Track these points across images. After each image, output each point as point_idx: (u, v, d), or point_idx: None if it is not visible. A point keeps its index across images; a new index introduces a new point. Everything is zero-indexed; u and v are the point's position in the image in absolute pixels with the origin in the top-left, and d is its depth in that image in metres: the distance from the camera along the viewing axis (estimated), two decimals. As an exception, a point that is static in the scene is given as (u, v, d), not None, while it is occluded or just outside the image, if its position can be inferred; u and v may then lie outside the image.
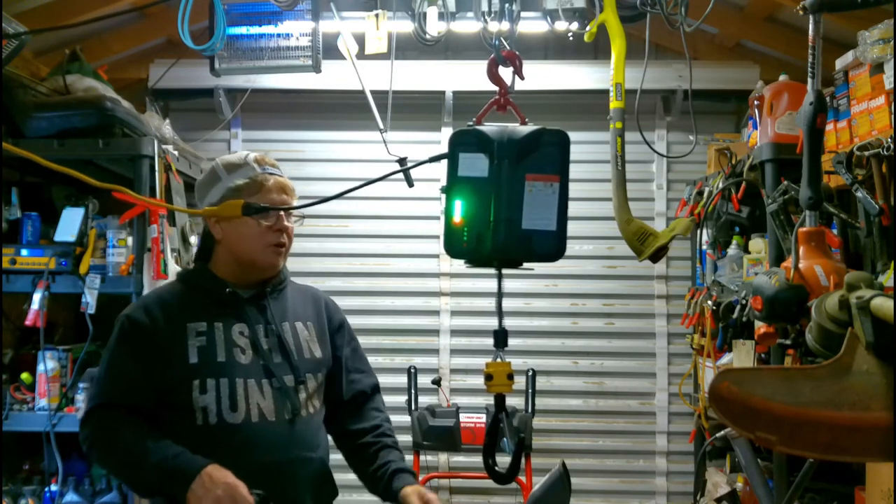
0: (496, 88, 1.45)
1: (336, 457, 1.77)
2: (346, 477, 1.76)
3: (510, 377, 1.35)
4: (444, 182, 1.33)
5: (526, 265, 1.32)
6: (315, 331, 1.75)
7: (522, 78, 1.46)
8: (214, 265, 1.73)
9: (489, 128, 1.32)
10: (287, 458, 1.60)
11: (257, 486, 1.49)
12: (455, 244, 1.31)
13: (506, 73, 1.46)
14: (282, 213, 1.65)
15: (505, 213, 1.26)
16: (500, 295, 1.40)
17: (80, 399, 2.72)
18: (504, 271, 1.36)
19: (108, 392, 1.60)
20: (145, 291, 2.74)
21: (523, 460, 3.40)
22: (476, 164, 1.28)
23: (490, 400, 3.81)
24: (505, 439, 1.39)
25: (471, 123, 1.36)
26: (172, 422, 1.58)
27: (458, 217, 1.29)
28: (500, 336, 1.39)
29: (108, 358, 1.64)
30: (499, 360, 1.38)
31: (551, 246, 1.28)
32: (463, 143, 1.32)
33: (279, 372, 1.63)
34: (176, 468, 1.48)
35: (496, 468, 1.41)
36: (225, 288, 1.67)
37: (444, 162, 1.35)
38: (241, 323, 1.65)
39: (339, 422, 1.79)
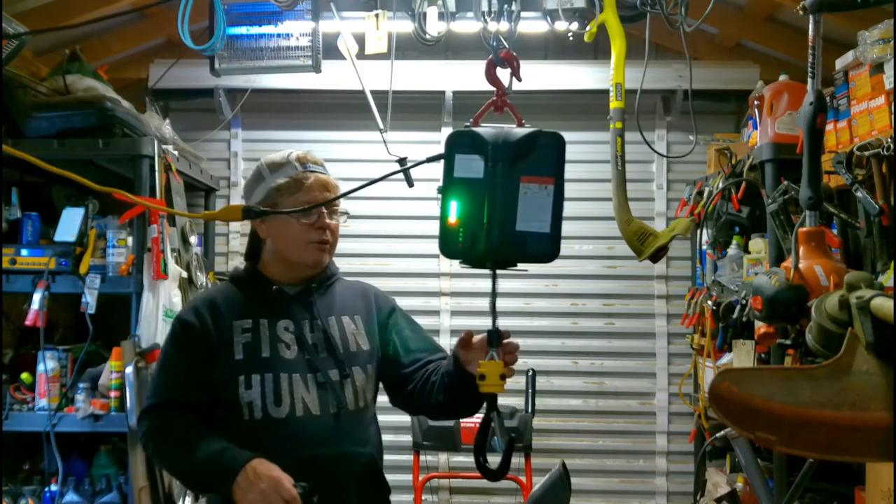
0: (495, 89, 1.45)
1: (389, 457, 1.75)
2: (398, 479, 1.74)
3: (503, 377, 1.35)
4: (442, 183, 1.34)
5: (521, 266, 1.33)
6: (363, 324, 1.74)
7: (520, 79, 1.46)
8: (262, 264, 1.76)
9: (485, 129, 1.32)
10: (332, 453, 1.60)
11: (303, 479, 1.49)
12: (450, 244, 1.31)
13: (504, 74, 1.46)
14: (323, 210, 1.67)
15: (499, 215, 1.27)
16: (493, 295, 1.40)
17: (80, 399, 2.72)
18: (503, 271, 1.36)
19: (161, 392, 1.66)
20: (145, 291, 2.74)
21: (523, 460, 3.40)
22: (472, 166, 1.29)
23: (490, 400, 3.79)
24: (496, 438, 1.39)
25: (468, 124, 1.36)
26: (223, 418, 1.61)
27: (453, 218, 1.30)
28: (494, 335, 1.39)
29: (161, 359, 1.71)
30: (492, 359, 1.38)
31: (545, 247, 1.28)
32: (459, 144, 1.32)
33: (324, 366, 1.63)
34: (222, 463, 1.51)
35: (487, 465, 1.41)
36: (271, 286, 1.70)
37: (443, 162, 1.35)
38: (286, 319, 1.67)
39: (405, 391, 1.73)
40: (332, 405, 1.61)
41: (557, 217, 1.28)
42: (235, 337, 1.63)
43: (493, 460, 1.44)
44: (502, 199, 1.27)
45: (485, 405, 1.43)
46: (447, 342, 3.84)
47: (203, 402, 1.63)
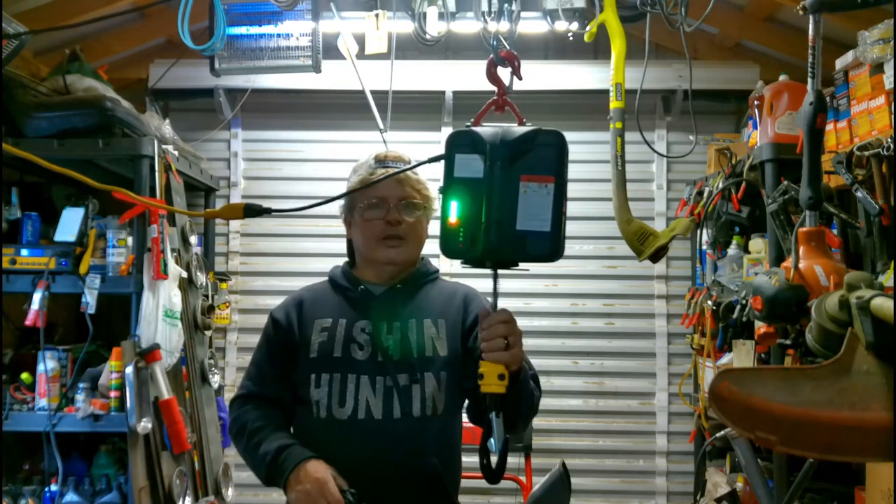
0: (496, 89, 1.45)
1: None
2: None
3: (501, 377, 1.34)
4: (442, 183, 1.33)
5: (523, 266, 1.32)
6: (446, 328, 1.67)
7: (520, 78, 1.46)
8: (357, 265, 1.78)
9: (484, 129, 1.32)
10: (388, 459, 1.56)
11: (355, 483, 1.50)
12: (451, 245, 1.31)
13: (504, 73, 1.46)
14: (391, 206, 1.66)
15: (498, 215, 1.26)
16: (495, 295, 1.40)
17: (80, 399, 2.72)
18: (503, 271, 1.35)
19: (250, 384, 1.71)
20: (145, 291, 2.74)
21: (523, 460, 3.40)
22: (471, 165, 1.28)
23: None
24: (492, 439, 1.38)
25: (468, 124, 1.36)
26: (300, 414, 1.66)
27: (453, 218, 1.29)
28: None
29: (256, 350, 1.76)
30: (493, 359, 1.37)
31: (546, 247, 1.26)
32: (459, 143, 1.32)
33: (394, 370, 1.60)
34: (279, 459, 1.54)
35: (490, 466, 1.40)
36: (359, 286, 1.70)
37: (443, 162, 1.35)
38: (365, 320, 1.66)
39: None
40: (397, 410, 1.58)
41: (558, 216, 1.26)
42: (314, 336, 1.66)
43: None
44: (501, 199, 1.26)
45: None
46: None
47: (287, 398, 1.68)
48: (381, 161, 1.70)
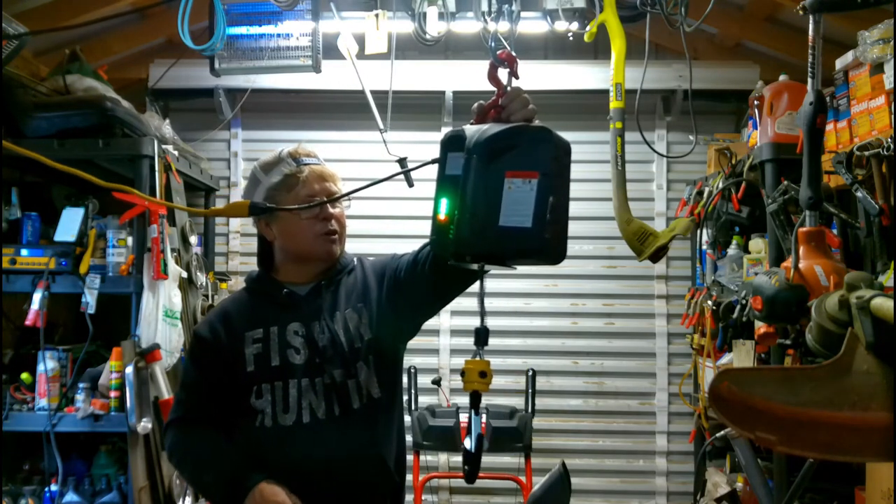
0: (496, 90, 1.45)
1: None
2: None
3: (482, 374, 1.34)
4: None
5: (518, 266, 1.32)
6: (366, 310, 1.68)
7: (517, 77, 1.45)
8: (275, 268, 1.74)
9: (470, 127, 1.32)
10: (339, 457, 1.58)
11: (309, 486, 1.53)
12: (441, 241, 1.31)
13: (505, 74, 1.46)
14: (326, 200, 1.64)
15: (472, 209, 1.24)
16: (482, 293, 1.40)
17: (80, 399, 2.72)
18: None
19: (182, 407, 1.70)
20: (145, 291, 2.75)
21: (523, 460, 3.40)
22: (458, 163, 1.28)
23: (490, 399, 3.82)
24: (467, 438, 1.38)
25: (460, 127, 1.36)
26: (244, 425, 1.63)
27: (442, 215, 1.29)
28: (481, 334, 1.39)
29: (182, 374, 1.76)
30: (478, 357, 1.38)
31: (530, 243, 1.23)
32: (449, 142, 1.32)
33: (330, 367, 1.61)
34: (232, 482, 1.55)
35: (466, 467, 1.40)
36: (282, 290, 1.69)
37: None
38: (296, 322, 1.65)
39: (424, 284, 1.65)
40: (338, 408, 1.60)
41: (542, 212, 1.22)
42: (247, 349, 1.63)
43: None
44: (476, 193, 1.24)
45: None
46: (447, 342, 3.85)
47: (224, 414, 1.65)
48: (294, 157, 1.68)
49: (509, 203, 1.23)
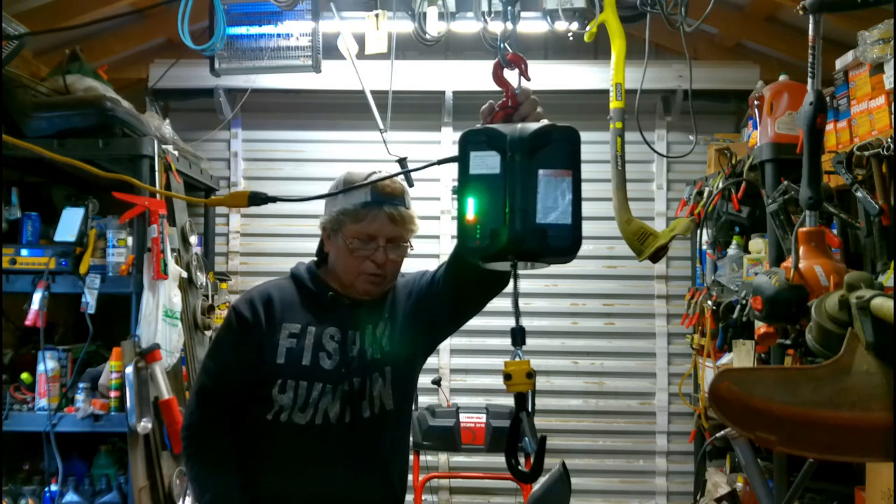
0: (497, 88, 1.45)
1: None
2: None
3: (529, 375, 1.33)
4: (452, 184, 1.33)
5: (539, 266, 1.32)
6: (391, 324, 1.70)
7: (528, 80, 1.46)
8: (326, 269, 1.74)
9: (500, 126, 1.33)
10: (343, 462, 1.61)
11: (307, 488, 1.55)
12: (468, 242, 1.31)
13: (510, 74, 1.46)
14: (381, 245, 1.63)
15: (521, 206, 1.26)
16: (516, 291, 1.38)
17: (80, 399, 2.72)
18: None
19: (210, 382, 1.68)
20: (145, 291, 2.74)
21: (523, 460, 3.39)
22: (487, 162, 1.29)
23: (490, 399, 3.80)
24: (527, 439, 1.38)
25: (479, 126, 1.36)
26: (256, 412, 1.62)
27: (470, 215, 1.30)
28: (518, 334, 1.38)
29: (213, 344, 1.73)
30: (517, 358, 1.36)
31: (567, 240, 1.26)
32: (473, 141, 1.32)
33: (352, 376, 1.63)
34: None
35: (519, 467, 1.39)
36: (328, 292, 1.69)
37: (457, 163, 1.34)
38: (334, 327, 1.66)
39: (454, 298, 1.67)
40: (348, 415, 1.61)
41: (578, 209, 1.26)
42: (281, 340, 1.64)
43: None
44: (523, 191, 1.27)
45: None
46: (447, 342, 3.84)
47: (242, 394, 1.64)
48: (377, 191, 1.63)
49: (545, 201, 1.26)
